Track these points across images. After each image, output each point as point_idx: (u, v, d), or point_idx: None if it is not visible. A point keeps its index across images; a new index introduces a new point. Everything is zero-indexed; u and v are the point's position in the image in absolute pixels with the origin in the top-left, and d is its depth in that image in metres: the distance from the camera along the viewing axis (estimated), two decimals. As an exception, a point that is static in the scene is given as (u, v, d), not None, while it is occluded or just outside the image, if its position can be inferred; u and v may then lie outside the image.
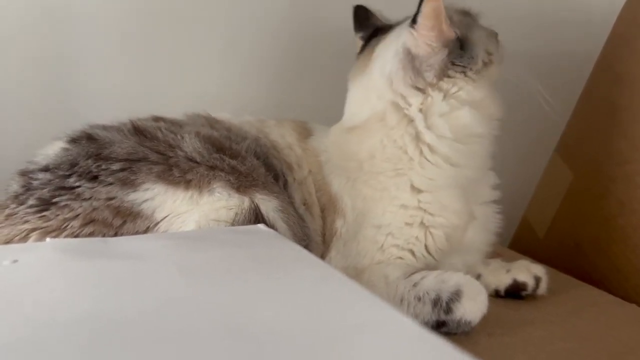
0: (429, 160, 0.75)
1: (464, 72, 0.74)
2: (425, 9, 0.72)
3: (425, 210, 0.74)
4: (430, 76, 0.74)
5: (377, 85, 0.77)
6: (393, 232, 0.73)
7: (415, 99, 0.75)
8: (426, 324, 0.64)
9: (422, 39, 0.73)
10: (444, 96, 0.74)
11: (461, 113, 0.75)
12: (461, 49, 0.74)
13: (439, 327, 0.65)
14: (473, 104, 0.75)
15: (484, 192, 0.80)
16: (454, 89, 0.74)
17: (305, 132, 0.81)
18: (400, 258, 0.73)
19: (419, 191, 0.74)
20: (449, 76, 0.74)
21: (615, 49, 0.98)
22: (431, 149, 0.75)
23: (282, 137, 0.79)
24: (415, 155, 0.75)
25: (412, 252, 0.73)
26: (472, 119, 0.75)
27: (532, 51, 1.17)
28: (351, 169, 0.76)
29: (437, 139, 0.74)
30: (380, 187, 0.74)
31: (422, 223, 0.74)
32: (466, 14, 0.78)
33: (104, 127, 0.69)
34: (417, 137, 0.75)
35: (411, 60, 0.74)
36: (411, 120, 0.75)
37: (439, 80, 0.74)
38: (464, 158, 0.75)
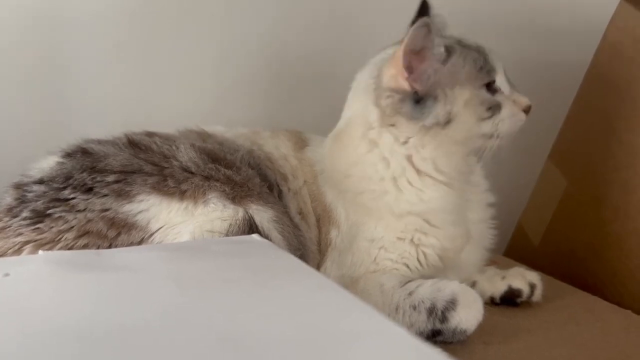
0: (398, 185, 0.74)
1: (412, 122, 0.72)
2: (396, 53, 0.72)
3: (415, 229, 0.74)
4: (386, 107, 0.73)
5: (359, 87, 0.78)
6: (386, 246, 0.73)
7: (376, 121, 0.75)
8: (422, 332, 0.64)
9: (387, 72, 0.73)
10: (392, 134, 0.74)
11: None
12: (418, 102, 0.72)
13: (435, 335, 0.65)
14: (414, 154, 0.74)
15: (480, 210, 0.80)
16: (398, 132, 0.73)
17: (300, 143, 0.81)
18: (396, 269, 0.73)
19: (400, 215, 0.74)
20: (398, 116, 0.73)
21: (606, 56, 0.99)
22: (399, 173, 0.74)
23: (277, 148, 0.80)
24: (386, 176, 0.74)
25: (407, 265, 0.73)
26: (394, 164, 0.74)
27: (524, 59, 1.18)
28: (339, 181, 0.76)
29: (399, 166, 0.74)
30: (365, 206, 0.74)
31: (412, 241, 0.74)
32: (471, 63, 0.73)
33: (99, 142, 0.70)
34: (384, 159, 0.74)
35: (378, 83, 0.74)
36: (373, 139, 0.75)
37: (390, 117, 0.74)
38: (426, 185, 0.74)
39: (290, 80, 1.10)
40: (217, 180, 0.66)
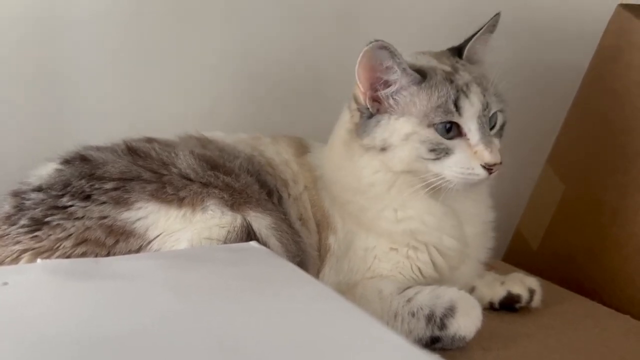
0: (374, 199, 0.73)
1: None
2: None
3: (406, 244, 0.73)
4: (352, 116, 0.75)
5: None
6: (379, 255, 0.73)
7: (348, 127, 0.75)
8: (420, 339, 0.64)
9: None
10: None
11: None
12: (369, 118, 0.72)
13: (434, 342, 0.65)
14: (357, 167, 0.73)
15: (478, 224, 0.78)
16: (352, 143, 0.74)
17: (302, 149, 0.81)
18: (393, 276, 0.73)
19: (382, 233, 0.73)
20: (355, 128, 0.74)
21: (603, 61, 0.99)
22: (372, 185, 0.73)
23: (278, 153, 0.80)
24: (362, 187, 0.73)
25: (402, 274, 0.73)
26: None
27: (522, 64, 1.18)
28: (331, 187, 0.76)
29: (371, 178, 0.73)
30: (354, 215, 0.74)
31: (407, 254, 0.73)
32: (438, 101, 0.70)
33: (98, 148, 0.70)
34: (358, 168, 0.73)
35: (355, 90, 0.75)
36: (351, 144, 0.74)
37: (352, 126, 0.74)
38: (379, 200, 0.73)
39: (289, 86, 1.10)
40: (216, 187, 0.66)
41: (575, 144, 1.01)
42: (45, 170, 0.67)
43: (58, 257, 0.60)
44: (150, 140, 0.73)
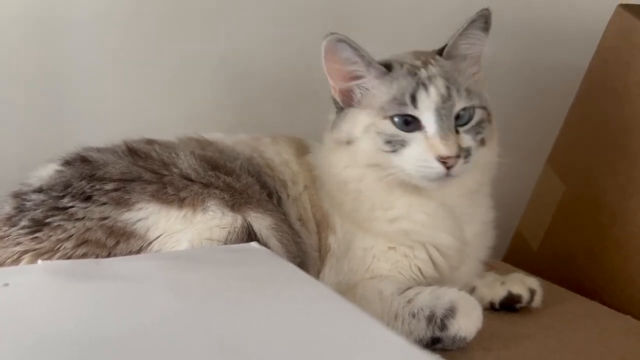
0: (362, 198, 0.73)
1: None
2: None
3: (401, 243, 0.73)
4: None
5: None
6: (378, 255, 0.73)
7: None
8: (421, 340, 0.64)
9: None
10: None
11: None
12: (340, 112, 0.74)
13: (434, 343, 0.65)
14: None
15: (477, 224, 0.78)
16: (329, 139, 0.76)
17: (302, 149, 0.81)
18: (392, 276, 0.73)
19: (378, 233, 0.73)
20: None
21: (603, 61, 0.99)
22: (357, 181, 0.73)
23: (278, 154, 0.80)
24: (341, 185, 0.74)
25: (402, 274, 0.73)
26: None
27: (522, 64, 1.18)
28: (327, 185, 0.76)
29: (354, 174, 0.73)
30: (350, 215, 0.74)
31: (405, 253, 0.73)
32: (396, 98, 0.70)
33: (98, 150, 0.70)
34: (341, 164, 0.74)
35: None
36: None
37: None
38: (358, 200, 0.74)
39: (288, 87, 1.10)
40: (217, 188, 0.66)
41: (576, 144, 1.01)
42: (46, 172, 0.67)
43: (59, 258, 0.60)
44: (150, 141, 0.73)
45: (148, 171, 0.65)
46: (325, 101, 0.79)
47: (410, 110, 0.69)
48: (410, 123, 0.69)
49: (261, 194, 0.70)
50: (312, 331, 0.39)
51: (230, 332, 0.38)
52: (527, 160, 1.10)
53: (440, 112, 0.68)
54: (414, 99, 0.69)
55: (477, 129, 0.71)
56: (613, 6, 0.98)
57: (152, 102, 1.05)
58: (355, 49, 0.70)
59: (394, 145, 0.69)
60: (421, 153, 0.68)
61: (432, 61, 0.72)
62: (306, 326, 0.40)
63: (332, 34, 0.69)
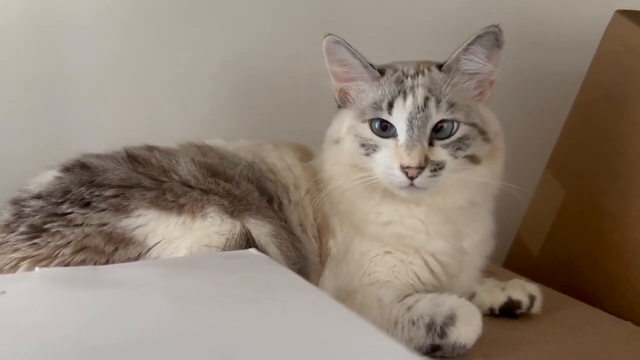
0: (353, 198, 0.73)
1: None
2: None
3: (396, 249, 0.73)
4: None
5: None
6: (374, 259, 0.73)
7: None
8: (420, 348, 0.64)
9: None
10: None
11: None
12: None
13: (434, 351, 0.64)
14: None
15: (476, 230, 0.77)
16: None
17: (306, 154, 0.82)
18: (390, 282, 0.73)
19: (372, 236, 0.73)
20: None
21: (602, 66, 0.99)
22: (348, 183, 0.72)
23: (281, 159, 0.80)
24: (328, 181, 0.74)
25: (398, 279, 0.73)
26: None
27: (521, 70, 1.19)
28: (326, 187, 0.76)
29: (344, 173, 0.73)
30: (347, 218, 0.74)
31: (400, 258, 0.73)
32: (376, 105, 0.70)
33: (98, 156, 0.70)
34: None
35: None
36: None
37: None
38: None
39: (289, 93, 1.10)
40: (216, 194, 0.66)
41: (575, 149, 1.01)
42: (45, 178, 0.67)
43: (57, 264, 0.59)
44: (150, 148, 0.73)
45: (147, 178, 0.66)
46: (327, 107, 0.79)
47: (385, 116, 0.69)
48: (387, 129, 0.70)
49: (261, 200, 0.70)
50: (310, 338, 0.39)
51: (229, 338, 0.38)
52: (527, 165, 1.10)
53: (412, 122, 0.68)
54: (391, 106, 0.69)
55: (459, 144, 0.69)
56: (611, 12, 0.99)
57: (153, 109, 1.05)
58: (351, 51, 0.71)
59: (367, 149, 0.71)
60: (388, 160, 0.68)
61: (426, 71, 0.72)
62: (305, 333, 0.40)
63: (329, 34, 0.71)
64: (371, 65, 0.72)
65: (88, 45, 1.00)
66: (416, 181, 0.67)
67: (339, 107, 0.76)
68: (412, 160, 0.66)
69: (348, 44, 0.71)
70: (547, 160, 1.07)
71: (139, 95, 1.05)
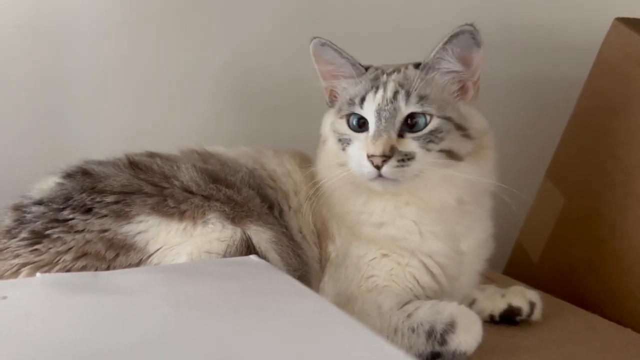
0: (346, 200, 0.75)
1: None
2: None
3: (392, 251, 0.73)
4: None
5: None
6: (372, 263, 0.73)
7: None
8: (421, 355, 0.64)
9: None
10: None
11: None
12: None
13: (434, 358, 0.64)
14: None
15: (475, 233, 0.77)
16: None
17: (306, 161, 0.82)
18: (387, 286, 0.72)
19: (368, 239, 0.73)
20: None
21: (601, 73, 1.00)
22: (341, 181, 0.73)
23: (281, 165, 0.80)
24: (321, 181, 0.74)
25: (396, 283, 0.73)
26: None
27: (521, 77, 1.19)
28: (324, 190, 0.76)
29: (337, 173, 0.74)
30: (344, 221, 0.75)
31: (397, 261, 0.73)
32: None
33: (100, 162, 0.70)
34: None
35: None
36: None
37: None
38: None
39: (290, 99, 1.10)
40: (218, 200, 0.66)
41: (574, 156, 1.01)
42: (47, 184, 0.68)
43: (58, 270, 0.60)
44: (152, 154, 0.73)
45: (149, 184, 0.66)
46: (327, 108, 0.80)
47: (357, 110, 0.71)
48: (363, 124, 0.71)
49: (262, 207, 0.70)
50: (311, 345, 0.39)
51: (229, 345, 0.38)
52: (526, 172, 1.10)
53: (380, 113, 0.69)
54: (363, 100, 0.71)
55: (430, 137, 0.69)
56: (610, 19, 0.99)
57: (154, 108, 1.06)
58: (338, 51, 0.73)
59: (343, 143, 0.73)
60: (359, 151, 0.70)
61: (402, 69, 0.74)
62: (305, 340, 0.40)
63: (315, 38, 0.74)
64: (359, 63, 0.74)
65: (88, 48, 1.01)
66: (383, 171, 0.67)
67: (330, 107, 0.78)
68: (377, 149, 0.67)
69: (333, 44, 0.73)
70: (547, 167, 1.07)
71: (140, 97, 1.05)
